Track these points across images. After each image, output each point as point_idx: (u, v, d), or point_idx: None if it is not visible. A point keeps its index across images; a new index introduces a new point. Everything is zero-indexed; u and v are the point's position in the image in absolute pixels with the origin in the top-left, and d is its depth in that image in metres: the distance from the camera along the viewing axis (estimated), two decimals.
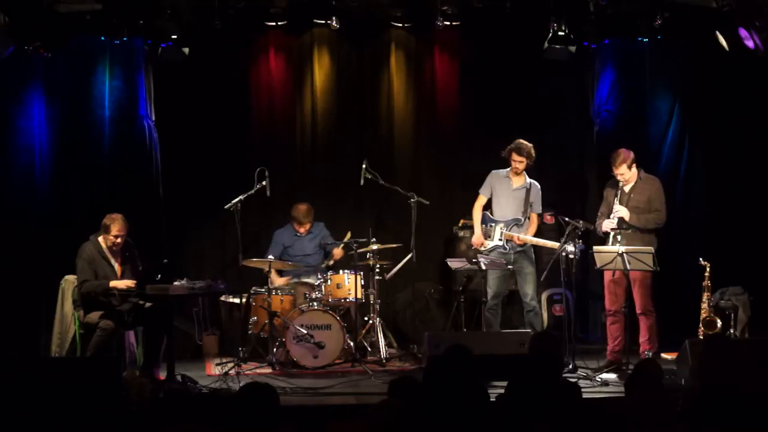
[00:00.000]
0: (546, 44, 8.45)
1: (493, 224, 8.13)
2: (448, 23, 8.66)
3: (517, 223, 8.08)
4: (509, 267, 8.04)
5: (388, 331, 8.50)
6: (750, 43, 7.86)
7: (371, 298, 8.29)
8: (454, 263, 8.14)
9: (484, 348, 6.88)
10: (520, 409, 4.48)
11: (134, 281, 7.27)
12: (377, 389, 6.85)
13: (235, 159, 8.99)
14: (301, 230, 8.59)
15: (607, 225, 7.76)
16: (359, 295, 8.05)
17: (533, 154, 8.07)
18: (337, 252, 8.55)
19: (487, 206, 8.26)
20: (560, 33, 8.31)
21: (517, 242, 8.00)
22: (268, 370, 7.71)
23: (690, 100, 9.24)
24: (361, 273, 8.15)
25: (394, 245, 8.44)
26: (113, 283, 7.27)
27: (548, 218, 8.91)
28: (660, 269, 7.45)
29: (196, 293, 7.45)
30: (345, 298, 8.14)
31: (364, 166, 8.32)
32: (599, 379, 7.31)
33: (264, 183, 8.03)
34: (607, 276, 7.77)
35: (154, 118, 8.81)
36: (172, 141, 8.94)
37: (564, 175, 9.42)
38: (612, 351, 7.78)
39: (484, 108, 9.33)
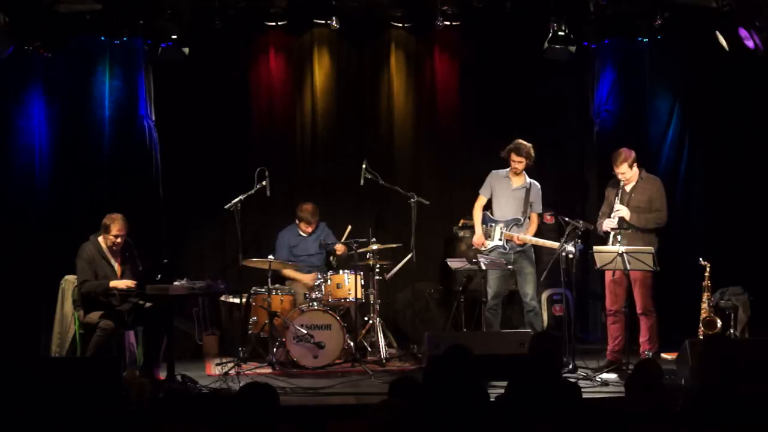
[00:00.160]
0: (546, 44, 8.45)
1: (493, 224, 8.14)
2: (448, 23, 8.66)
3: (517, 223, 8.08)
4: (509, 267, 8.04)
5: (388, 331, 8.50)
6: (750, 43, 7.86)
7: (371, 298, 8.29)
8: (454, 263, 8.15)
9: (484, 348, 6.88)
10: (520, 409, 4.48)
11: (134, 281, 7.27)
12: (377, 389, 6.85)
13: (235, 159, 8.99)
14: (308, 230, 8.59)
15: (608, 225, 7.76)
16: (359, 295, 8.04)
17: (532, 154, 8.07)
18: (340, 247, 8.55)
19: (488, 206, 8.27)
20: (560, 33, 8.31)
21: (517, 242, 8.00)
22: (268, 370, 7.71)
23: (690, 100, 9.24)
24: (361, 273, 8.15)
25: (394, 245, 8.44)
26: (113, 283, 7.27)
27: (548, 218, 8.91)
28: (660, 269, 7.45)
29: (196, 293, 7.45)
30: (345, 298, 8.14)
31: (364, 166, 8.33)
32: (599, 379, 7.31)
33: (264, 183, 8.03)
34: (608, 276, 7.77)
35: (154, 118, 8.82)
36: (172, 141, 8.94)
37: (564, 175, 9.42)
38: (612, 351, 7.78)
39: (484, 108, 9.33)
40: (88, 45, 8.60)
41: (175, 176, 8.94)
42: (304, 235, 8.63)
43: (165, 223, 8.82)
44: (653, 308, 7.73)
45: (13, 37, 7.66)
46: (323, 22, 8.56)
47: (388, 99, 9.38)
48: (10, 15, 7.53)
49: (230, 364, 7.58)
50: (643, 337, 7.77)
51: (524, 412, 4.45)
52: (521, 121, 9.03)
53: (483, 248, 8.09)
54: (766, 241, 8.91)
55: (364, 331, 8.32)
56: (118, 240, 7.34)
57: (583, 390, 5.02)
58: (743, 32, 7.85)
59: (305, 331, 7.74)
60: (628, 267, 7.44)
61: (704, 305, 8.06)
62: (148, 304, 7.39)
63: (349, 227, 8.51)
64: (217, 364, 7.87)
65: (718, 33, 8.08)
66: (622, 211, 7.69)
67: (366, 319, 8.34)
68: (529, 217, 8.15)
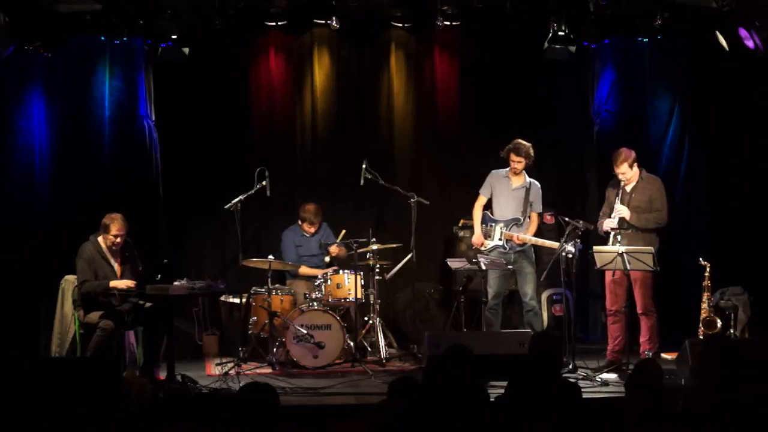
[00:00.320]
0: (546, 44, 8.45)
1: (492, 224, 8.14)
2: (448, 23, 8.67)
3: (516, 223, 8.08)
4: (509, 267, 8.04)
5: (388, 331, 8.50)
6: (750, 43, 7.86)
7: (371, 298, 8.28)
8: (454, 263, 8.14)
9: (484, 348, 6.88)
10: (520, 409, 4.48)
11: (134, 281, 7.27)
12: (377, 389, 6.85)
13: (235, 159, 9.00)
14: (311, 230, 8.59)
15: (608, 225, 7.76)
16: (359, 295, 8.04)
17: (532, 154, 8.07)
18: (333, 249, 8.55)
19: (488, 206, 8.27)
20: (560, 33, 8.31)
21: (517, 242, 8.00)
22: (268, 370, 7.71)
23: (690, 100, 9.24)
24: (361, 273, 8.15)
25: (394, 245, 8.44)
26: (113, 283, 7.27)
27: (548, 218, 8.91)
28: (660, 269, 7.45)
29: (196, 293, 7.45)
30: (345, 298, 8.14)
31: (364, 166, 8.33)
32: (599, 379, 7.31)
33: (264, 183, 8.04)
34: (608, 276, 7.77)
35: (154, 118, 8.82)
36: (172, 141, 8.94)
37: (564, 175, 9.42)
38: (612, 351, 7.78)
39: (484, 108, 9.33)
40: (88, 45, 8.60)
41: (175, 176, 8.94)
42: (307, 235, 8.63)
43: (165, 223, 8.82)
44: (654, 308, 7.73)
45: (13, 37, 7.66)
46: (323, 22, 8.56)
47: (388, 99, 9.38)
48: (10, 15, 7.53)
49: (230, 364, 7.58)
50: (643, 337, 7.76)
51: (524, 412, 4.45)
52: (521, 121, 9.03)
53: (483, 248, 8.09)
54: (766, 241, 8.90)
55: (364, 331, 8.32)
56: (118, 240, 7.34)
57: (583, 390, 5.02)
58: (743, 32, 7.85)
59: (305, 331, 7.74)
60: (628, 267, 7.44)
61: (704, 305, 8.06)
62: (148, 304, 7.39)
63: (343, 232, 8.51)
64: (217, 364, 7.87)
65: (718, 33, 8.08)
66: (622, 211, 7.68)
67: (366, 319, 8.34)
68: (529, 217, 8.15)
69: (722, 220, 9.12)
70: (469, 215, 8.52)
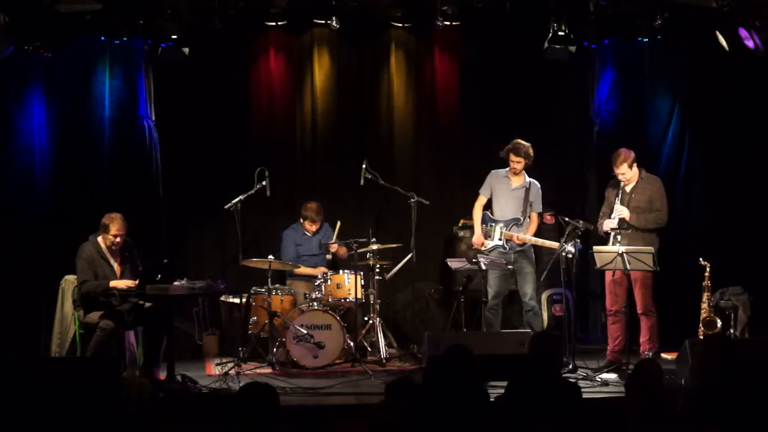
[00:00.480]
0: (546, 44, 8.45)
1: (492, 224, 8.14)
2: (448, 23, 8.67)
3: (516, 223, 8.08)
4: (509, 267, 8.04)
5: (388, 331, 8.50)
6: (750, 43, 7.86)
7: (371, 298, 8.28)
8: (454, 263, 8.14)
9: (484, 348, 6.87)
10: (520, 409, 4.48)
11: (134, 281, 7.27)
12: (377, 389, 6.83)
13: (235, 159, 9.00)
14: (313, 228, 8.58)
15: (608, 225, 7.75)
16: (359, 295, 8.04)
17: (531, 154, 8.07)
18: (333, 247, 8.54)
19: (487, 206, 8.27)
20: (560, 33, 8.31)
21: (517, 242, 8.00)
22: (268, 370, 7.71)
23: (690, 100, 9.24)
24: (361, 273, 8.15)
25: (394, 245, 8.44)
26: (113, 283, 7.26)
27: (548, 218, 8.91)
28: (660, 269, 7.45)
29: (196, 293, 7.45)
30: (345, 298, 8.14)
31: (364, 166, 8.33)
32: (599, 379, 7.31)
33: (264, 183, 8.04)
34: (608, 276, 7.77)
35: (154, 118, 8.82)
36: (172, 141, 8.95)
37: (564, 175, 9.42)
38: (612, 351, 7.78)
39: (484, 108, 9.33)
40: (88, 45, 8.60)
41: (175, 176, 8.94)
42: (308, 234, 8.63)
43: (165, 223, 8.82)
44: (654, 308, 7.72)
45: (13, 37, 7.66)
46: (323, 22, 8.57)
47: (388, 99, 9.38)
48: (10, 15, 7.53)
49: (230, 364, 7.58)
50: (643, 337, 7.76)
51: (524, 412, 4.45)
52: (521, 121, 9.03)
53: (482, 248, 8.09)
54: (766, 241, 8.91)
55: (364, 331, 8.32)
56: (117, 240, 7.34)
57: (583, 390, 5.02)
58: (743, 32, 7.85)
59: (305, 331, 7.73)
60: (628, 267, 7.43)
61: (704, 305, 8.06)
62: (148, 304, 7.39)
63: (339, 223, 8.52)
64: (217, 364, 7.87)
65: (718, 33, 8.08)
66: (622, 211, 7.68)
67: (366, 319, 8.34)
68: (529, 217, 8.15)
69: (722, 220, 9.12)
70: (469, 215, 8.52)
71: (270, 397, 4.15)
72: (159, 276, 7.23)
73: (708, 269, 8.06)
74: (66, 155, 8.61)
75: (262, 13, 8.57)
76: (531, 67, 9.12)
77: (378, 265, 8.29)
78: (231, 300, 8.40)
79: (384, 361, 8.00)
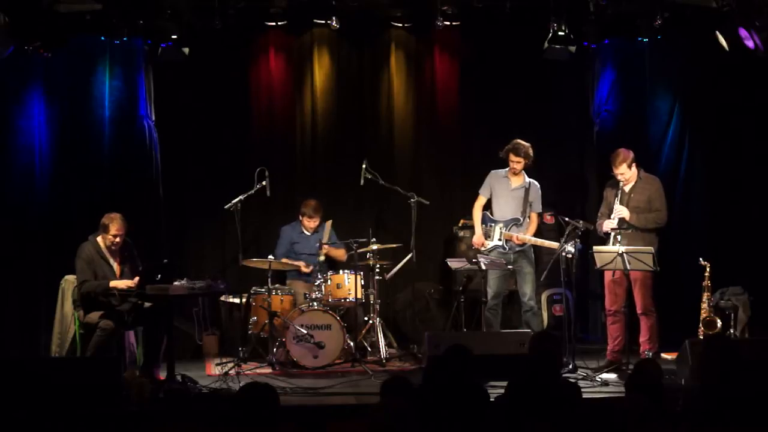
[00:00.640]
0: (546, 44, 8.45)
1: (492, 224, 8.14)
2: (448, 23, 8.67)
3: (516, 223, 8.08)
4: (509, 267, 8.04)
5: (388, 331, 8.50)
6: (750, 43, 7.86)
7: (371, 298, 8.29)
8: (454, 263, 8.14)
9: (484, 348, 6.87)
10: (520, 409, 4.48)
11: (134, 281, 7.26)
12: (377, 389, 6.76)
13: (235, 159, 9.00)
14: (311, 225, 8.57)
15: (608, 225, 7.75)
16: (359, 295, 8.04)
17: (531, 154, 8.07)
18: (325, 248, 8.51)
19: (487, 206, 8.27)
20: (560, 33, 8.31)
21: (516, 242, 8.00)
22: (268, 370, 7.71)
23: (690, 100, 9.24)
24: (361, 273, 8.15)
25: (394, 245, 8.44)
26: (113, 283, 7.26)
27: (548, 218, 8.92)
28: (660, 269, 7.44)
29: (196, 293, 7.45)
30: (345, 298, 8.14)
31: (364, 166, 8.33)
32: (599, 379, 7.31)
33: (264, 183, 8.04)
34: (608, 276, 7.77)
35: (154, 118, 8.82)
36: (172, 141, 8.95)
37: (564, 175, 9.42)
38: (612, 351, 7.78)
39: (484, 108, 9.33)
40: (88, 45, 8.60)
41: (175, 176, 8.95)
42: (307, 233, 8.63)
43: (165, 223, 8.82)
44: (653, 308, 7.72)
45: (13, 37, 7.66)
46: (323, 22, 8.57)
47: (388, 99, 9.38)
48: (10, 15, 7.53)
49: (230, 364, 7.58)
50: (643, 337, 7.76)
51: (524, 412, 4.45)
52: (521, 121, 9.03)
53: (482, 248, 8.09)
54: (766, 241, 8.90)
55: (364, 331, 8.32)
56: (117, 240, 7.34)
57: (583, 390, 5.02)
58: (743, 32, 7.85)
59: (305, 331, 7.73)
60: (628, 267, 7.43)
61: (704, 305, 8.06)
62: (148, 304, 7.39)
63: (328, 224, 8.51)
64: (217, 364, 7.87)
65: (718, 33, 8.08)
66: (622, 211, 7.68)
67: (366, 319, 8.34)
68: (528, 217, 8.15)
69: (722, 220, 9.12)
70: (469, 215, 8.52)
71: (270, 397, 4.15)
72: (159, 276, 7.23)
73: (708, 269, 8.05)
74: (66, 155, 8.61)
75: (262, 13, 8.58)
76: (531, 67, 9.12)
77: (378, 265, 8.29)
78: (231, 300, 8.40)
79: (384, 361, 8.00)
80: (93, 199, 8.43)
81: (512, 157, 8.06)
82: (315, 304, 8.04)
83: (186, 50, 8.40)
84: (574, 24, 8.39)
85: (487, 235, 8.13)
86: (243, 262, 8.09)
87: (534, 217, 8.20)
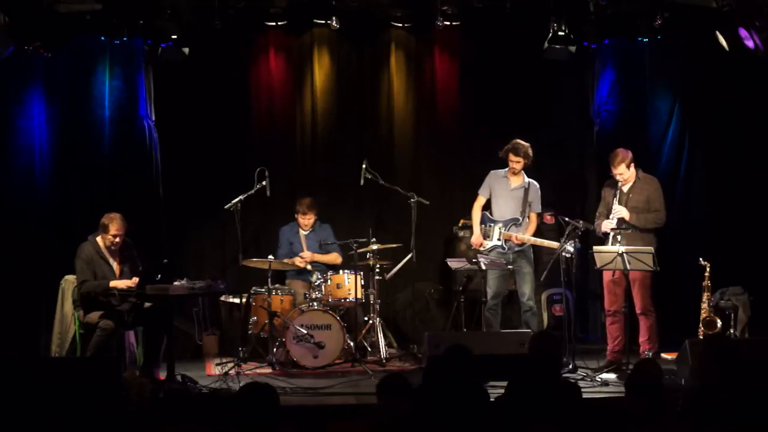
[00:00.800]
0: (546, 44, 8.45)
1: (491, 224, 8.14)
2: (448, 23, 8.67)
3: (515, 223, 8.08)
4: (509, 267, 8.04)
5: (388, 331, 8.50)
6: (750, 43, 7.86)
7: (371, 298, 8.29)
8: (454, 263, 8.14)
9: (484, 348, 6.87)
10: (520, 409, 4.48)
11: (134, 281, 7.26)
12: None
13: (235, 159, 9.00)
14: (305, 222, 8.57)
15: (607, 225, 7.74)
16: (359, 295, 8.04)
17: (530, 154, 8.07)
18: (307, 255, 8.50)
19: (487, 206, 8.27)
20: (560, 33, 8.31)
21: (516, 242, 8.00)
22: (268, 370, 7.71)
23: (690, 100, 9.24)
24: (361, 273, 8.15)
25: (394, 245, 8.44)
26: (113, 283, 7.27)
27: (548, 218, 8.92)
28: (660, 269, 7.44)
29: (196, 293, 7.45)
30: (345, 298, 8.14)
31: (364, 166, 8.33)
32: (599, 379, 7.31)
33: (264, 183, 8.04)
34: (607, 276, 7.76)
35: (154, 118, 8.82)
36: (172, 141, 8.95)
37: (564, 175, 9.42)
38: (612, 351, 7.77)
39: (484, 108, 9.33)
40: (88, 45, 8.60)
41: (175, 176, 8.95)
42: (304, 231, 8.63)
43: (165, 223, 8.82)
44: (653, 308, 7.72)
45: (13, 37, 7.66)
46: (323, 22, 8.57)
47: (388, 99, 9.38)
48: (10, 15, 7.53)
49: (230, 364, 7.58)
50: (642, 337, 7.76)
51: (524, 412, 4.45)
52: (521, 121, 9.03)
53: (481, 248, 8.09)
54: (766, 241, 8.90)
55: (364, 331, 8.32)
56: (117, 240, 7.34)
57: (583, 390, 5.02)
58: (743, 32, 7.85)
59: (305, 331, 7.73)
60: (629, 267, 7.43)
61: (704, 305, 8.06)
62: (148, 304, 7.39)
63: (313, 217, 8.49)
64: (217, 364, 7.87)
65: (718, 33, 8.08)
66: (621, 211, 7.67)
67: (366, 319, 8.34)
68: (528, 217, 8.15)
69: (722, 220, 9.12)
70: (469, 215, 8.51)
71: (270, 397, 4.14)
72: (159, 276, 7.23)
73: (708, 269, 8.05)
74: (66, 155, 8.61)
75: (262, 13, 8.58)
76: (531, 67, 9.12)
77: (378, 265, 8.29)
78: (231, 300, 8.40)
79: (384, 361, 8.00)
80: (93, 199, 8.43)
81: (511, 157, 8.06)
82: (315, 304, 8.04)
83: (186, 50, 8.40)
84: (574, 24, 8.39)
85: (486, 235, 8.13)
86: (243, 262, 8.09)
87: (533, 217, 8.20)
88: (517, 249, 8.05)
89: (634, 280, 7.65)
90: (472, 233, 8.36)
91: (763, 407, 4.44)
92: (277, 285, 8.22)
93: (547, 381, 4.65)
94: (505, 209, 8.15)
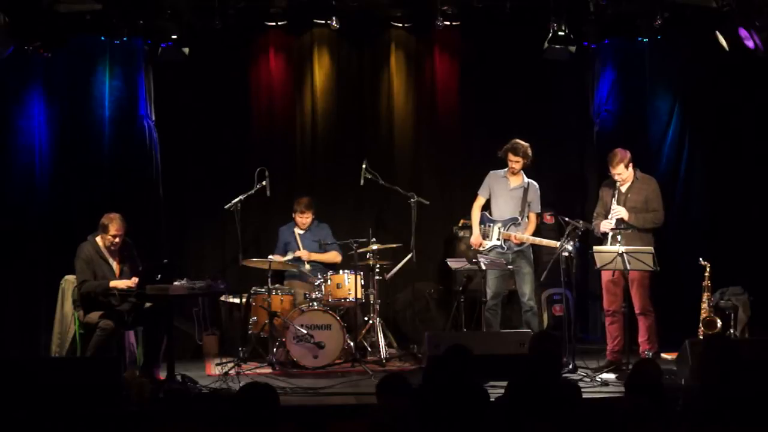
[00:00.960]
0: (546, 44, 8.45)
1: (490, 224, 8.14)
2: (448, 23, 8.67)
3: (514, 223, 8.08)
4: (509, 267, 8.04)
5: (388, 331, 8.49)
6: (750, 43, 7.86)
7: (371, 298, 8.29)
8: (454, 263, 8.14)
9: (484, 348, 6.87)
10: (520, 409, 4.48)
11: (133, 280, 7.26)
12: None
13: (235, 159, 9.00)
14: (303, 221, 8.56)
15: (606, 225, 7.74)
16: (359, 295, 8.04)
17: (530, 154, 8.07)
18: (303, 254, 8.51)
19: (487, 207, 8.27)
20: (560, 33, 8.31)
21: (515, 241, 8.00)
22: (268, 370, 7.71)
23: (690, 100, 9.24)
24: (361, 273, 8.15)
25: (394, 245, 8.44)
26: (113, 283, 7.26)
27: (548, 218, 8.92)
28: (660, 269, 7.44)
29: (196, 293, 7.45)
30: (345, 298, 8.14)
31: (364, 166, 8.33)
32: (599, 379, 7.31)
33: (264, 183, 8.04)
34: (605, 276, 7.76)
35: (154, 118, 8.82)
36: (172, 141, 8.95)
37: (564, 175, 9.42)
38: (612, 351, 7.77)
39: (484, 108, 9.33)
40: (88, 45, 8.61)
41: (175, 176, 8.95)
42: (300, 231, 8.63)
43: (165, 223, 8.82)
44: (651, 308, 7.72)
45: (13, 37, 7.66)
46: (323, 22, 8.57)
47: (388, 99, 9.39)
48: (10, 15, 7.53)
49: (230, 364, 7.58)
50: (642, 337, 7.76)
51: (524, 412, 4.45)
52: (521, 121, 9.03)
53: (481, 248, 8.09)
54: (766, 241, 8.90)
55: (364, 331, 8.32)
56: (116, 240, 7.34)
57: (583, 390, 5.02)
58: (743, 32, 7.85)
59: (305, 331, 7.73)
60: (629, 267, 7.42)
61: (704, 305, 8.06)
62: (148, 304, 7.39)
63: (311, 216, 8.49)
64: (217, 364, 7.87)
65: (718, 33, 8.08)
66: (620, 212, 7.67)
67: (366, 319, 8.34)
68: (527, 217, 8.14)
69: (722, 220, 9.12)
70: (469, 215, 8.51)
71: (270, 397, 4.15)
72: (159, 276, 7.23)
73: (708, 269, 8.05)
74: (66, 155, 8.62)
75: (262, 13, 8.58)
76: (531, 67, 9.12)
77: (378, 265, 8.29)
78: (231, 300, 8.40)
79: (384, 361, 8.00)
80: (93, 199, 8.43)
81: (511, 157, 8.06)
82: (315, 304, 8.04)
83: (186, 50, 8.40)
84: (574, 24, 8.39)
85: (485, 235, 8.13)
86: (243, 262, 8.09)
87: (533, 217, 8.20)
88: (516, 249, 8.05)
89: (633, 280, 7.65)
90: (471, 233, 8.36)
91: (763, 407, 4.44)
92: (277, 285, 8.22)
93: (547, 381, 4.65)
94: (504, 209, 8.15)
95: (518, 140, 8.08)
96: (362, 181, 8.37)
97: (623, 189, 7.79)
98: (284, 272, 8.60)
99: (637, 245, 7.52)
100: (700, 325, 8.04)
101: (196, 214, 9.07)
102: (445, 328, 8.56)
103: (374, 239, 8.29)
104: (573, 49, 8.50)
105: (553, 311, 9.03)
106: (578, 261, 7.83)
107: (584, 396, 5.01)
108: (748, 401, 4.45)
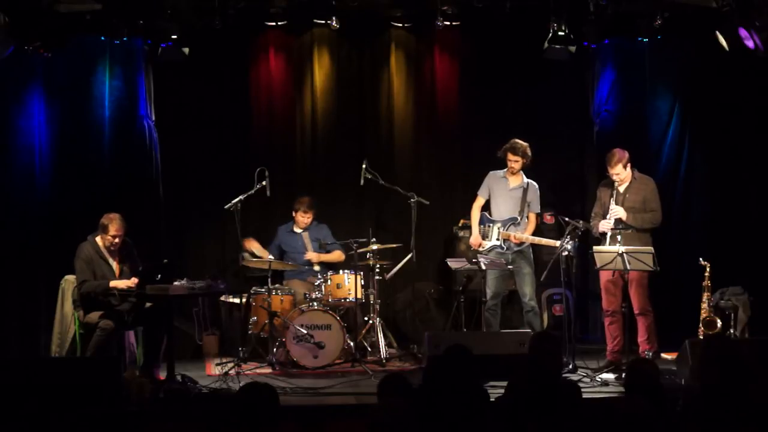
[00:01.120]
0: (546, 44, 8.45)
1: (490, 224, 8.14)
2: (448, 23, 8.67)
3: (513, 223, 8.08)
4: (509, 267, 8.04)
5: (388, 331, 8.50)
6: (750, 43, 7.85)
7: (371, 298, 8.29)
8: (454, 263, 8.14)
9: (484, 348, 6.87)
10: (520, 409, 4.48)
11: (133, 280, 7.26)
12: (377, 389, 6.83)
13: (235, 159, 9.00)
14: (304, 221, 8.57)
15: (605, 226, 7.74)
16: (359, 295, 8.04)
17: (529, 153, 8.08)
18: (311, 255, 8.52)
19: (486, 207, 8.27)
20: (560, 33, 8.31)
21: (514, 241, 8.00)
22: (268, 370, 7.71)
23: (690, 100, 9.24)
24: (361, 273, 8.15)
25: (394, 245, 8.44)
26: (113, 283, 7.26)
27: (548, 218, 8.92)
28: (660, 269, 7.44)
29: (196, 293, 7.45)
30: (345, 298, 8.14)
31: (364, 166, 8.33)
32: (599, 379, 7.31)
33: (264, 183, 8.03)
34: (604, 276, 7.75)
35: (154, 118, 8.82)
36: (172, 141, 8.95)
37: (564, 175, 9.42)
38: (611, 351, 7.77)
39: (484, 108, 9.33)
40: (88, 45, 8.61)
41: (175, 176, 8.95)
42: (298, 231, 8.63)
43: (165, 223, 8.82)
44: (650, 308, 7.72)
45: (13, 37, 7.66)
46: (323, 22, 8.57)
47: (388, 99, 9.39)
48: (10, 15, 7.53)
49: (230, 364, 7.58)
50: (641, 337, 7.76)
51: (524, 412, 4.45)
52: (521, 121, 9.04)
53: (480, 248, 8.09)
54: (766, 241, 8.90)
55: (364, 331, 8.32)
56: (116, 240, 7.33)
57: (583, 390, 5.01)
58: (743, 32, 7.85)
59: (305, 331, 7.74)
60: (629, 267, 7.42)
61: (704, 305, 8.06)
62: (148, 304, 7.39)
63: (311, 215, 8.51)
64: (217, 364, 7.87)
65: (718, 33, 8.07)
66: (618, 212, 7.67)
67: (366, 319, 8.34)
68: (527, 217, 8.14)
69: (722, 220, 9.12)
70: (469, 215, 8.52)
71: (270, 397, 4.15)
72: (159, 276, 7.23)
73: (708, 269, 8.05)
74: (66, 155, 8.62)
75: (262, 13, 8.58)
76: (531, 67, 9.12)
77: (378, 265, 8.29)
78: (231, 300, 8.41)
79: (384, 361, 8.01)
80: (93, 199, 8.43)
81: (510, 156, 8.06)
82: (315, 304, 8.04)
83: (186, 50, 8.40)
84: (574, 24, 8.39)
85: (485, 235, 8.13)
86: (243, 262, 8.09)
87: (532, 217, 8.20)
88: (516, 249, 8.05)
89: (632, 281, 7.64)
90: (471, 233, 8.36)
91: (763, 407, 4.44)
92: (277, 285, 8.23)
93: (547, 381, 4.65)
94: (503, 209, 8.16)
95: (517, 140, 8.09)
96: (362, 181, 8.37)
97: (621, 189, 7.79)
98: (283, 272, 8.61)
99: (636, 245, 7.52)
100: (700, 325, 8.04)
101: (196, 214, 9.07)
102: (445, 328, 8.56)
103: (374, 239, 8.29)
104: (573, 49, 8.50)
105: (553, 311, 9.03)
106: (578, 261, 7.83)
107: (584, 396, 5.01)
108: (748, 401, 4.45)
